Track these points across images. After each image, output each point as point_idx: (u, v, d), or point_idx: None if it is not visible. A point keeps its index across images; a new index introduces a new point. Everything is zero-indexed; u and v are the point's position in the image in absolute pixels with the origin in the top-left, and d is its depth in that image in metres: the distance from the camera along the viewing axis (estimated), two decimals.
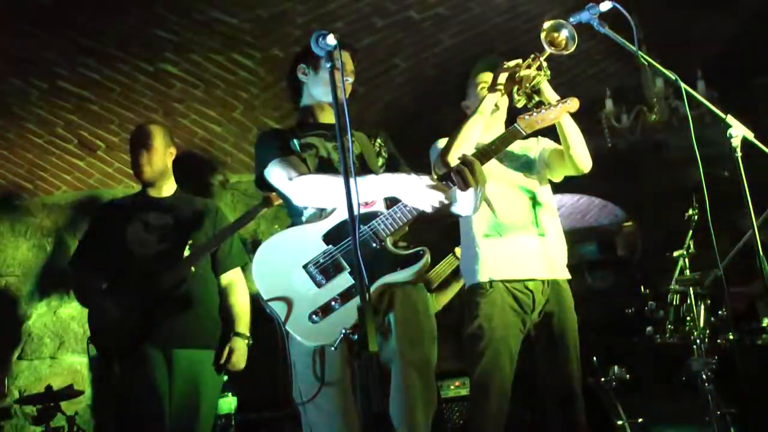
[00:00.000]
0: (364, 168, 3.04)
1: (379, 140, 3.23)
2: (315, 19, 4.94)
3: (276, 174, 3.03)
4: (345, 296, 2.79)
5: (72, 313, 5.96)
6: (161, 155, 4.19)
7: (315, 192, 2.94)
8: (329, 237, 2.87)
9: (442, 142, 3.54)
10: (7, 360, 5.83)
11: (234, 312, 4.21)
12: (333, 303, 2.80)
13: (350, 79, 3.17)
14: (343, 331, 2.70)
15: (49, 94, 5.35)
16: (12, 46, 4.90)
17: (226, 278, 4.26)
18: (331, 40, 2.54)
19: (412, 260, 2.81)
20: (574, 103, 3.15)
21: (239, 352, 4.08)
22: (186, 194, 4.34)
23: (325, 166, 3.01)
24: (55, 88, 5.30)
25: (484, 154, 2.91)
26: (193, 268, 3.95)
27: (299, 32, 5.04)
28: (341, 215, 2.86)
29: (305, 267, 2.85)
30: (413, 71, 5.59)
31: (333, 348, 2.72)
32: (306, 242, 2.87)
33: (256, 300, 4.39)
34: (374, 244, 2.81)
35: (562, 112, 3.14)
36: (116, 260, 4.03)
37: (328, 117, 3.21)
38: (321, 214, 2.97)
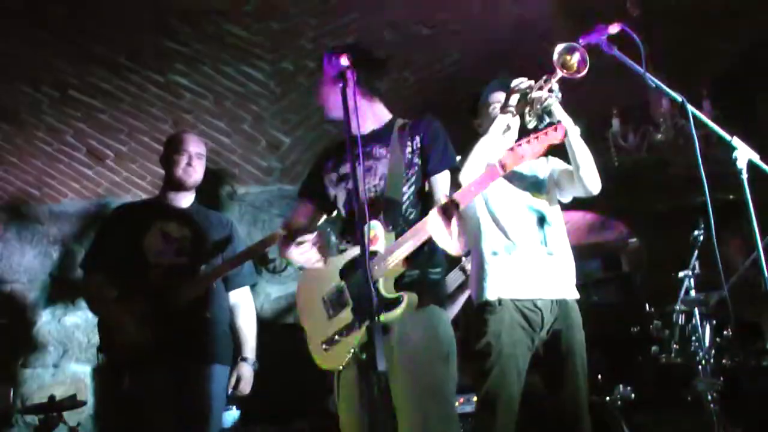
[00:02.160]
0: (389, 189, 3.03)
1: (416, 140, 3.13)
2: (326, 33, 4.97)
3: None
4: (344, 331, 2.95)
5: (77, 321, 5.97)
6: (203, 165, 4.17)
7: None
8: (343, 272, 3.02)
9: None
10: (11, 368, 5.83)
11: (241, 335, 4.24)
12: (336, 336, 2.97)
13: None
14: (353, 350, 2.88)
15: (60, 102, 5.39)
16: (24, 53, 4.93)
17: (234, 296, 4.25)
18: (344, 60, 2.56)
19: (392, 305, 2.85)
20: (558, 133, 2.70)
21: (245, 379, 4.15)
22: (202, 206, 4.28)
23: (352, 198, 3.04)
24: (65, 96, 5.34)
25: (464, 194, 2.80)
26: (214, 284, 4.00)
27: (310, 46, 5.07)
28: (354, 251, 2.99)
29: (323, 299, 3.05)
30: (422, 85, 5.62)
31: (341, 368, 2.95)
32: (329, 275, 3.05)
33: (261, 316, 4.44)
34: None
35: (545, 143, 2.72)
36: (131, 267, 3.96)
37: (366, 125, 3.15)
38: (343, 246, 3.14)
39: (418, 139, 3.13)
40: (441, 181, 3.08)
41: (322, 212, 3.35)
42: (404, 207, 3.05)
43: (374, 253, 2.90)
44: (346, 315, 2.96)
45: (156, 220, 4.05)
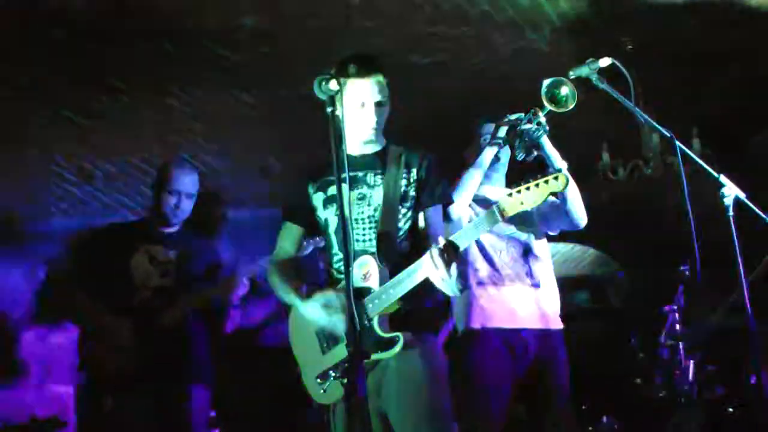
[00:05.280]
0: (383, 221, 2.95)
1: (412, 172, 3.05)
2: (318, 59, 4.98)
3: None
4: (338, 367, 2.88)
5: (60, 341, 5.93)
6: (192, 202, 4.17)
7: (271, 284, 3.13)
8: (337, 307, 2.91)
9: None
10: None
11: None
12: (330, 371, 2.90)
13: (371, 123, 3.05)
14: (332, 374, 2.87)
15: (52, 121, 5.38)
16: (17, 73, 4.94)
17: None
18: (334, 85, 2.57)
19: (388, 345, 2.80)
20: (560, 183, 2.68)
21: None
22: (189, 231, 4.29)
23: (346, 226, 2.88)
24: (57, 115, 5.33)
25: (462, 237, 2.76)
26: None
27: (302, 71, 5.08)
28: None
29: (317, 332, 2.97)
30: (413, 116, 5.64)
31: (323, 391, 2.90)
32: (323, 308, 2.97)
33: (247, 338, 4.45)
34: (365, 322, 2.81)
35: (546, 192, 2.71)
36: (116, 288, 3.98)
37: (359, 147, 3.10)
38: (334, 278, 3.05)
39: (414, 171, 3.05)
40: (435, 215, 3.02)
41: (308, 235, 3.29)
42: (398, 242, 2.96)
43: (369, 290, 2.85)
44: (340, 350, 2.86)
45: (144, 243, 4.08)
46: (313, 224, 3.14)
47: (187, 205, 4.14)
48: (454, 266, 2.68)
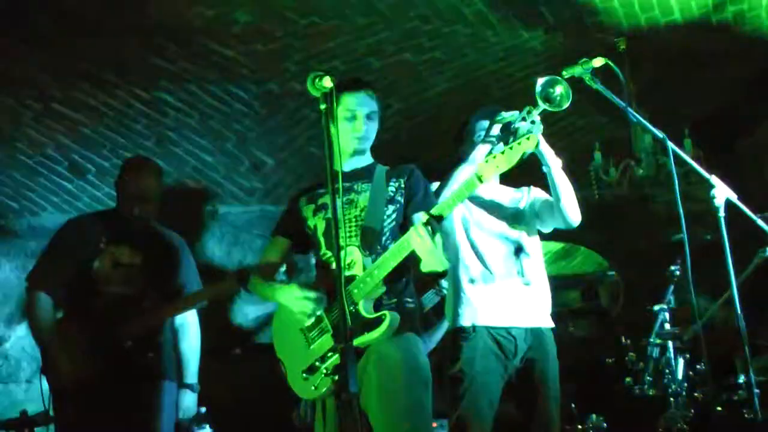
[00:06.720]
0: (368, 218, 3.09)
1: (400, 182, 3.21)
2: (312, 56, 5.00)
3: None
4: (324, 358, 2.97)
5: None
6: (155, 205, 4.10)
7: (255, 289, 3.34)
8: (321, 300, 3.03)
9: (434, 186, 3.59)
10: None
11: (183, 358, 4.18)
12: (317, 363, 2.98)
13: (360, 132, 3.20)
14: (318, 365, 2.95)
15: (43, 115, 5.35)
16: (7, 67, 4.91)
17: (180, 318, 4.19)
18: (328, 82, 2.58)
19: (375, 324, 2.89)
20: (531, 142, 2.82)
21: (190, 409, 4.10)
22: (154, 225, 4.19)
23: (331, 229, 3.01)
24: (48, 109, 5.30)
25: (443, 206, 2.88)
26: None
27: (296, 68, 5.10)
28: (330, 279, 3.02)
29: (301, 329, 3.08)
30: (407, 112, 5.65)
31: (314, 387, 2.95)
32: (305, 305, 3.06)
33: (235, 333, 4.43)
34: (350, 307, 2.90)
35: (519, 153, 2.83)
36: (78, 290, 3.92)
37: (349, 160, 3.25)
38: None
39: (402, 180, 3.22)
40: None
41: (295, 248, 3.39)
42: (383, 238, 3.09)
43: (353, 277, 2.95)
44: (326, 341, 2.98)
45: (108, 242, 3.97)
46: (302, 236, 3.30)
47: (143, 209, 4.03)
48: (438, 237, 2.81)
